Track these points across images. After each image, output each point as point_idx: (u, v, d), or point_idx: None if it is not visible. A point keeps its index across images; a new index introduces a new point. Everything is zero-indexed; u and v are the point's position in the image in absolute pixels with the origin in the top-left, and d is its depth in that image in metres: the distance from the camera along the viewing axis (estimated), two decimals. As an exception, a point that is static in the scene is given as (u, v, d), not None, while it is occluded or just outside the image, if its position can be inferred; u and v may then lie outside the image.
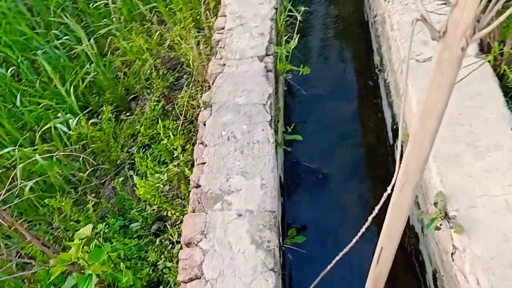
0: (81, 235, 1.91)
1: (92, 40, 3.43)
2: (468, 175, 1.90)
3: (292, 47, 2.73)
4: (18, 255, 2.61)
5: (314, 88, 3.64)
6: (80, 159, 3.04)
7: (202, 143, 2.30)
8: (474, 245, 1.69)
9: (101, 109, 3.40)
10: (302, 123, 3.43)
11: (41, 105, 3.31)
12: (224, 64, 2.74)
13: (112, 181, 3.02)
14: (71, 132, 2.88)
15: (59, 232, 2.74)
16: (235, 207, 1.97)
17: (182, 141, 2.76)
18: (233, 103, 2.45)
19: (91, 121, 3.10)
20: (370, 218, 1.24)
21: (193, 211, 2.02)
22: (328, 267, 1.46)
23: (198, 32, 3.37)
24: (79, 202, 2.97)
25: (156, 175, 2.54)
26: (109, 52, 3.66)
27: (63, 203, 2.62)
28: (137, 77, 3.55)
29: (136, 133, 3.26)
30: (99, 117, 3.42)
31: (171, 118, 3.19)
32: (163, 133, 2.88)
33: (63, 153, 2.88)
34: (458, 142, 2.03)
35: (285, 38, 3.05)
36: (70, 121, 2.95)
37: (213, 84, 2.62)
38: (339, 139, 3.33)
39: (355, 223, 1.54)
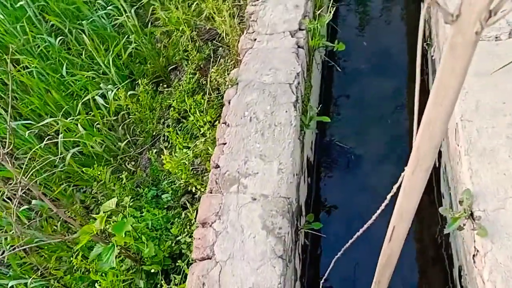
0: (106, 208, 2.03)
1: (132, 10, 3.47)
2: (503, 173, 1.72)
3: (327, 21, 2.57)
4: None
5: (356, 63, 3.45)
6: (120, 128, 3.19)
7: (225, 122, 2.29)
8: (497, 251, 1.56)
9: (144, 79, 3.50)
10: (341, 100, 3.29)
11: (86, 75, 3.47)
12: (255, 39, 2.65)
13: (149, 152, 3.15)
14: (107, 105, 2.99)
15: (99, 197, 2.94)
16: (250, 191, 1.96)
17: (211, 117, 2.77)
18: (259, 81, 2.39)
19: (130, 92, 3.20)
20: (388, 196, 1.23)
21: (211, 192, 2.05)
22: (349, 241, 1.45)
23: (234, 2, 3.28)
24: (119, 170, 3.14)
25: (184, 150, 2.59)
26: (150, 22, 3.69)
27: (99, 172, 2.79)
28: (176, 48, 3.57)
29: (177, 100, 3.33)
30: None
31: (206, 91, 3.21)
32: (193, 108, 2.92)
33: (100, 124, 3.02)
34: (496, 135, 1.83)
35: (325, 7, 2.88)
36: (109, 92, 3.06)
37: (241, 61, 2.56)
38: (378, 119, 3.16)
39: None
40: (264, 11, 2.76)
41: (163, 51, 3.62)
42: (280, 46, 2.53)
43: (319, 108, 3.04)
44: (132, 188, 2.92)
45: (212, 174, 2.10)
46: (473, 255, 1.66)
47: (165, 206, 2.76)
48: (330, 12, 2.55)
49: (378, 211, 1.29)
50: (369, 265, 1.58)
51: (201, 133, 2.58)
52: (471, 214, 1.67)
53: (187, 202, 2.64)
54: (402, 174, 1.10)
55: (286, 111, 2.22)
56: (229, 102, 2.38)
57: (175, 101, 3.04)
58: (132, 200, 2.82)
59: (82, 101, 3.04)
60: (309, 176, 2.77)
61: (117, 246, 1.98)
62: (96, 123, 3.01)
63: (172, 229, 2.25)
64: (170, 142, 3.06)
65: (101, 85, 3.26)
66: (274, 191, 1.94)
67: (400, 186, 1.14)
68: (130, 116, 3.23)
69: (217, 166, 2.12)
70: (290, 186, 1.96)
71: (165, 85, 3.50)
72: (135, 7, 3.59)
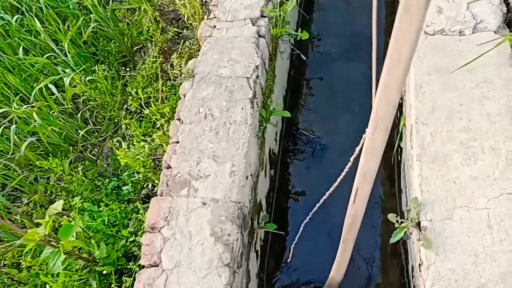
0: (52, 211, 1.96)
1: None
2: (453, 181, 1.68)
3: (291, 8, 2.42)
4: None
5: (328, 49, 3.32)
6: (79, 115, 3.05)
7: (179, 119, 2.19)
8: (440, 264, 1.54)
9: (109, 59, 3.33)
10: (310, 88, 3.19)
11: (45, 56, 3.28)
12: (215, 27, 2.50)
13: (111, 140, 3.04)
14: (59, 94, 2.83)
15: (58, 190, 2.85)
16: (201, 195, 1.90)
17: (171, 107, 2.66)
18: (216, 74, 2.27)
19: (88, 77, 3.04)
20: (351, 159, 1.26)
21: (161, 194, 1.98)
22: (316, 206, 1.52)
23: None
24: (81, 158, 3.04)
25: (142, 143, 2.49)
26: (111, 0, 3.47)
27: (54, 164, 2.68)
28: (140, 28, 3.38)
29: (137, 87, 3.20)
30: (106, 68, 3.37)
31: (168, 78, 3.07)
32: (152, 98, 2.79)
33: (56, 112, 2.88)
34: (450, 139, 1.77)
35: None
36: (65, 79, 2.90)
37: (200, 50, 2.43)
38: (348, 106, 3.07)
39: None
40: (225, -5, 2.59)
41: (126, 30, 3.43)
42: (240, 35, 2.39)
43: (287, 96, 2.96)
44: (93, 178, 2.83)
45: (163, 176, 2.02)
46: (419, 264, 1.65)
47: (126, 199, 2.69)
48: (293, 0, 2.39)
49: (343, 174, 1.34)
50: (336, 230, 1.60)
51: (157, 127, 2.48)
52: (418, 223, 1.64)
53: (148, 194, 2.58)
54: (363, 136, 1.14)
55: (242, 108, 2.13)
56: (184, 96, 2.27)
57: (134, 89, 2.91)
58: (92, 192, 2.74)
59: (38, 87, 2.88)
60: (273, 168, 2.71)
61: (64, 250, 1.93)
62: (53, 111, 2.87)
63: (123, 231, 2.19)
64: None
65: (59, 68, 3.10)
66: (225, 195, 1.88)
67: (361, 148, 1.17)
68: (90, 103, 3.09)
69: (169, 167, 2.04)
70: (242, 190, 1.90)
71: (127, 68, 3.35)
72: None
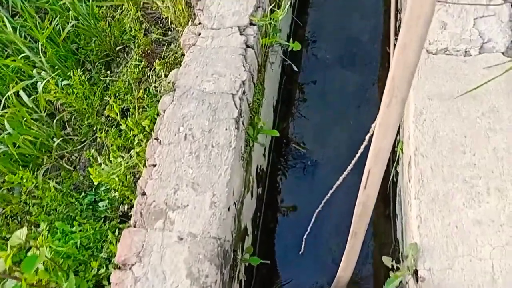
0: (14, 242, 1.76)
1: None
2: (455, 225, 1.51)
3: (282, 16, 2.21)
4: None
5: (320, 53, 3.12)
6: (54, 123, 2.83)
7: (157, 138, 1.98)
8: (438, 321, 1.38)
9: (91, 58, 3.11)
10: (302, 99, 2.98)
11: (20, 56, 3.03)
12: (199, 34, 2.28)
13: (88, 150, 2.83)
14: (32, 102, 2.60)
15: (30, 206, 2.64)
16: (178, 228, 1.71)
17: (153, 117, 2.45)
18: (198, 89, 2.06)
19: (64, 82, 2.81)
20: (367, 137, 1.15)
21: (134, 225, 1.79)
22: (328, 193, 1.41)
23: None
24: (56, 168, 2.83)
25: (119, 159, 2.29)
26: (91, -2, 3.21)
27: (25, 178, 2.47)
28: (123, 28, 3.14)
29: (117, 94, 2.98)
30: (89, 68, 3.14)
31: (151, 84, 2.85)
32: (131, 109, 2.58)
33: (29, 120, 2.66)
34: (452, 176, 1.60)
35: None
36: (38, 84, 2.67)
37: (182, 61, 2.21)
38: (341, 119, 2.88)
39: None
40: (211, -1, 2.36)
41: (108, 30, 3.18)
42: (227, 45, 2.17)
43: (278, 106, 2.76)
44: (68, 190, 2.63)
45: (138, 204, 1.83)
46: (414, 315, 1.49)
47: (102, 216, 2.50)
48: (285, 6, 2.17)
49: (357, 155, 1.22)
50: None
51: (135, 143, 2.27)
52: (416, 271, 1.47)
53: (125, 212, 2.38)
54: (379, 113, 1.01)
55: (226, 129, 1.93)
56: (163, 112, 2.06)
57: (112, 96, 2.69)
58: (66, 206, 2.54)
59: (8, 94, 2.64)
60: (261, 186, 2.53)
61: (28, 284, 1.74)
62: (25, 119, 2.65)
63: (93, 264, 2.00)
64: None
65: (34, 71, 2.86)
66: (204, 230, 1.69)
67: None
68: (67, 108, 2.86)
69: (144, 194, 1.84)
70: (223, 224, 1.72)
71: (111, 68, 3.11)
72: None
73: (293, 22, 3.10)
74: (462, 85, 1.77)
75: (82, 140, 2.90)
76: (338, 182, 1.30)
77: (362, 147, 1.16)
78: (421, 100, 1.77)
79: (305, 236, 1.69)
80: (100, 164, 2.29)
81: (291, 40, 2.29)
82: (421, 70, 1.84)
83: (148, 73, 2.88)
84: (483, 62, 1.80)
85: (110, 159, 2.30)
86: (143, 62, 2.91)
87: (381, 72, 3.02)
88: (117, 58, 3.21)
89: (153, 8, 3.01)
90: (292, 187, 2.66)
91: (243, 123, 2.03)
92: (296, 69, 2.61)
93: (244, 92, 2.05)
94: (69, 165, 2.84)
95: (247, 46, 2.18)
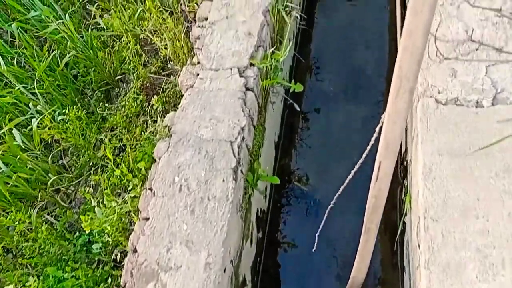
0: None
1: (67, 16, 2.90)
2: (467, 300, 1.39)
3: (283, 58, 2.11)
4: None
5: (323, 85, 3.01)
6: (49, 158, 2.74)
7: (151, 188, 1.88)
8: None
9: (90, 86, 3.03)
10: (304, 138, 2.87)
11: (17, 88, 2.95)
12: (198, 75, 2.18)
13: (83, 187, 2.74)
14: (21, 142, 2.51)
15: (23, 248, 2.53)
16: (170, 292, 1.60)
17: (150, 157, 2.35)
18: (195, 136, 1.96)
19: (60, 117, 2.72)
20: (377, 129, 1.17)
21: (124, 286, 1.68)
22: (341, 187, 1.43)
23: (183, 18, 2.74)
24: (52, 204, 2.74)
25: (113, 203, 2.19)
26: (90, 26, 3.14)
27: (17, 220, 2.38)
28: (121, 58, 3.06)
29: (114, 127, 2.89)
30: (89, 99, 3.07)
31: (151, 118, 2.76)
32: (128, 147, 2.48)
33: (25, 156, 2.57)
34: (465, 244, 1.47)
35: (290, 32, 2.39)
36: (33, 120, 2.59)
37: (179, 103, 2.11)
38: (345, 158, 2.77)
39: None
40: (211, 37, 2.27)
41: (107, 60, 3.10)
42: (226, 88, 2.07)
43: (280, 142, 2.66)
44: (62, 229, 2.54)
45: (128, 262, 1.72)
46: None
47: (96, 258, 2.39)
48: (286, 47, 2.07)
49: (368, 147, 1.22)
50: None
51: (130, 188, 2.17)
52: None
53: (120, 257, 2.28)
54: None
55: (224, 180, 1.82)
56: (159, 159, 1.96)
57: (108, 134, 2.60)
58: (59, 248, 2.44)
59: (2, 131, 2.56)
60: (261, 229, 2.41)
61: None
62: (18, 157, 2.56)
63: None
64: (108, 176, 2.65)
65: (30, 104, 2.78)
66: (198, 295, 1.58)
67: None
68: (63, 144, 2.77)
69: (135, 251, 1.73)
70: None
71: (110, 98, 3.02)
72: (69, 11, 3.03)
73: (295, 56, 3.00)
74: (474, 140, 1.65)
75: (79, 174, 2.81)
76: (350, 176, 1.32)
77: (373, 139, 1.17)
78: (431, 156, 1.66)
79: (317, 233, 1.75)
80: (94, 206, 2.19)
81: (293, 81, 2.17)
82: (430, 122, 1.73)
83: (147, 108, 2.79)
84: (496, 115, 1.68)
85: (104, 202, 2.20)
86: (141, 96, 2.83)
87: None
88: (116, 88, 3.13)
89: (152, 42, 2.93)
90: (294, 229, 2.54)
91: (241, 171, 1.92)
92: (298, 108, 2.50)
93: (243, 139, 1.95)
94: (66, 198, 2.75)
95: (247, 89, 2.08)
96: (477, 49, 1.73)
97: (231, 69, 2.12)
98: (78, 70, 3.11)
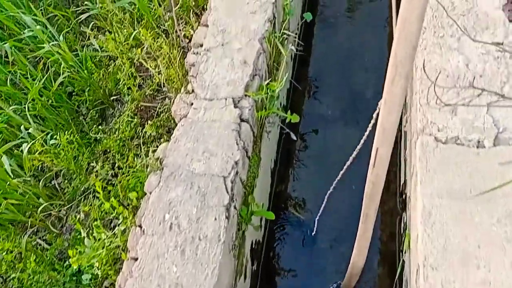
0: None
1: (61, 37, 2.85)
2: None
3: (279, 89, 2.05)
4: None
5: (321, 109, 2.96)
6: (40, 183, 2.67)
7: (140, 225, 1.81)
8: None
9: (87, 105, 2.98)
10: (301, 165, 2.80)
11: (10, 109, 2.89)
12: (192, 104, 2.12)
13: (74, 213, 2.68)
14: (8, 169, 2.44)
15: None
16: None
17: (137, 193, 2.27)
18: (187, 170, 1.89)
19: (51, 141, 2.65)
20: (374, 115, 1.18)
21: (110, 332, 1.61)
22: (340, 173, 1.44)
23: (181, 41, 2.68)
24: (43, 229, 2.67)
25: (103, 235, 2.11)
26: (84, 47, 3.08)
27: (5, 249, 2.31)
28: (116, 80, 3.00)
29: (108, 151, 2.82)
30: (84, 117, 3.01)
31: (144, 143, 2.69)
32: (119, 176, 2.41)
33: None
34: (465, 296, 1.41)
35: (286, 60, 2.33)
36: (24, 145, 2.52)
37: (172, 135, 2.05)
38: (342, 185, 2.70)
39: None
40: (206, 65, 2.21)
41: (102, 80, 3.04)
42: (220, 119, 2.01)
43: (276, 168, 2.59)
44: (52, 257, 2.47)
45: (116, 306, 1.65)
46: None
47: (85, 289, 2.32)
48: (282, 78, 2.01)
49: (366, 133, 1.26)
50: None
51: (120, 221, 2.09)
52: None
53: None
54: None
55: (216, 219, 1.75)
56: (150, 194, 1.89)
57: (100, 160, 2.53)
58: (48, 278, 2.37)
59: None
60: (256, 261, 2.34)
61: None
62: (8, 183, 2.49)
63: None
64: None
65: (22, 127, 2.72)
66: None
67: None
68: (54, 168, 2.71)
69: (123, 293, 1.66)
70: (207, 335, 1.53)
71: (100, 126, 2.95)
72: (64, 32, 2.97)
73: (292, 83, 2.94)
74: (475, 182, 1.59)
75: (70, 198, 2.74)
76: (348, 163, 1.32)
77: (370, 125, 1.18)
78: (430, 198, 1.59)
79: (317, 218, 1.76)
80: (84, 237, 2.12)
81: (289, 112, 2.11)
82: (430, 162, 1.66)
83: (140, 132, 2.73)
84: (498, 157, 1.61)
85: (94, 234, 2.13)
86: (135, 119, 2.77)
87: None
88: (111, 108, 3.07)
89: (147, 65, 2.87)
90: (290, 260, 2.47)
91: (235, 207, 1.85)
92: (294, 138, 2.44)
93: (237, 173, 1.88)
94: (57, 223, 2.69)
95: (242, 120, 2.01)
96: (479, 95, 1.68)
97: (226, 99, 2.06)
98: (73, 88, 3.05)
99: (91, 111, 3.03)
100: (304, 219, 2.57)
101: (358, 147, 1.31)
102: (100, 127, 2.87)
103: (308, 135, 2.90)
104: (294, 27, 2.66)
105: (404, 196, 2.13)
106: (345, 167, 1.43)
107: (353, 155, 1.33)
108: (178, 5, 2.68)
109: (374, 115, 1.17)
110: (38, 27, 2.94)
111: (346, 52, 3.09)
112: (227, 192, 1.80)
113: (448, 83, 1.82)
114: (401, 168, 2.43)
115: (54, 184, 2.74)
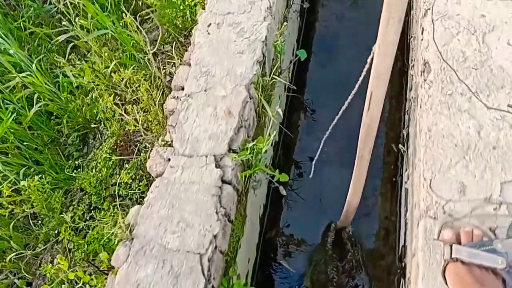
0: None
1: (34, 66, 2.58)
2: None
3: (266, 148, 1.80)
4: None
5: (313, 151, 2.71)
6: (11, 226, 2.45)
7: (105, 310, 1.59)
8: None
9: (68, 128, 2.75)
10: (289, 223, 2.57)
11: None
12: (169, 160, 1.88)
13: (51, 251, 2.47)
14: None
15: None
16: None
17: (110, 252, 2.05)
18: (160, 244, 1.66)
19: (22, 182, 2.41)
20: (368, 60, 1.15)
21: None
22: (335, 118, 1.39)
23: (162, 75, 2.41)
24: (14, 273, 2.47)
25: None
26: (61, 73, 2.82)
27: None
28: (95, 109, 2.75)
29: (83, 188, 2.59)
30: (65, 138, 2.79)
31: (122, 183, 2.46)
32: (90, 234, 2.19)
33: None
34: None
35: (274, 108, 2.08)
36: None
37: (146, 197, 1.81)
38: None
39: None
40: (186, 113, 1.95)
41: (80, 110, 2.79)
42: (199, 181, 1.77)
43: (266, 212, 2.38)
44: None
45: None
46: None
47: None
48: (270, 135, 1.76)
49: (359, 80, 1.21)
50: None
51: (88, 290, 1.87)
52: None
53: None
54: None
55: (189, 307, 1.53)
56: (117, 270, 1.67)
57: (74, 202, 2.30)
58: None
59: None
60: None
61: None
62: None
63: None
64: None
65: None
66: None
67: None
68: (26, 210, 2.48)
69: None
70: None
71: (75, 163, 2.71)
72: (41, 56, 2.71)
73: (283, 130, 2.68)
74: (484, 282, 1.36)
75: (42, 241, 2.53)
76: (343, 107, 1.29)
77: (365, 70, 1.16)
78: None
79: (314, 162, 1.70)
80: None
81: (277, 171, 1.87)
82: (433, 253, 1.44)
83: (118, 171, 2.49)
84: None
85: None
86: (113, 156, 2.53)
87: (386, 173, 2.62)
88: (93, 132, 2.84)
89: (128, 94, 2.62)
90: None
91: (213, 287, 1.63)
92: (284, 193, 2.21)
93: (215, 247, 1.65)
94: (30, 267, 2.49)
95: (224, 182, 1.77)
96: (494, 209, 1.44)
97: (207, 156, 1.81)
98: (52, 111, 2.82)
99: (73, 134, 2.82)
100: (295, 272, 2.36)
101: (353, 92, 1.25)
102: (80, 153, 2.65)
103: (300, 174, 2.67)
104: (286, 65, 2.39)
105: (402, 264, 1.91)
106: (340, 111, 1.34)
107: (348, 100, 1.27)
108: (161, 35, 2.41)
109: (368, 60, 1.15)
110: (11, 50, 2.68)
111: (343, 94, 2.83)
112: (203, 273, 1.57)
113: (456, 154, 1.58)
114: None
115: (28, 223, 2.53)
